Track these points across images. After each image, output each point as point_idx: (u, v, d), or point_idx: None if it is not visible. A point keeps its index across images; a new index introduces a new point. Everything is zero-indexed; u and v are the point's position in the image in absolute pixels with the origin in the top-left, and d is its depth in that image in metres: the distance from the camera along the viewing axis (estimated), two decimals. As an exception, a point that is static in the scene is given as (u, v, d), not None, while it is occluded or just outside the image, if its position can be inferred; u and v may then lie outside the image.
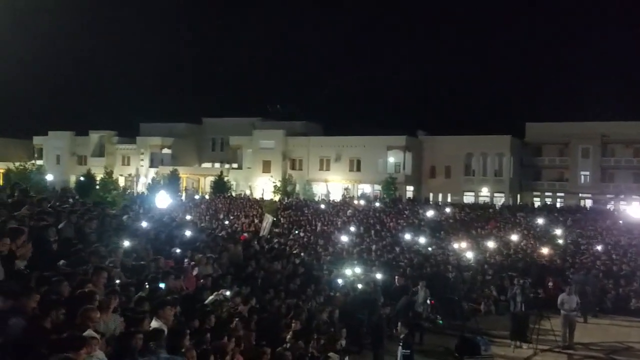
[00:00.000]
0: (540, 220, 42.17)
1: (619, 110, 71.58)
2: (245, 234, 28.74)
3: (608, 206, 57.20)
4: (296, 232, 38.77)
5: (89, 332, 7.21)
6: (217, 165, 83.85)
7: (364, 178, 72.89)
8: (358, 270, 22.68)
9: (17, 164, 69.32)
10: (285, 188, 69.53)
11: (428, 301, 20.51)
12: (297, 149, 76.89)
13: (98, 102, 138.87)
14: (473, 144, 71.03)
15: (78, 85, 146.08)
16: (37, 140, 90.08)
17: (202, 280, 13.72)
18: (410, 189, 71.96)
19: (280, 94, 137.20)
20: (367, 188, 72.15)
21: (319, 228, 40.85)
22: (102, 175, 69.91)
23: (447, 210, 48.05)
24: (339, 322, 15.24)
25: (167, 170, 73.72)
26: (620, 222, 42.22)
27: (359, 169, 74.01)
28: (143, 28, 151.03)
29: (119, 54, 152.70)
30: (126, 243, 13.44)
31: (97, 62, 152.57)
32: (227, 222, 41.80)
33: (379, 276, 21.33)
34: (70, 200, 19.72)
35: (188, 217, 38.83)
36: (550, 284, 24.66)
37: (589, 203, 64.91)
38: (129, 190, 71.47)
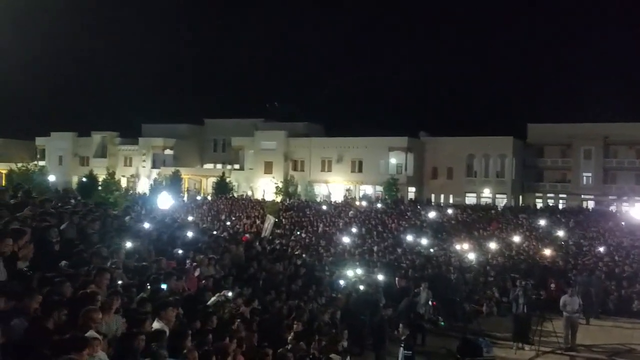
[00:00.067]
0: (542, 222, 42.12)
1: (621, 111, 71.48)
2: (247, 235, 28.75)
3: (610, 208, 57.13)
4: (298, 233, 38.79)
5: (91, 333, 7.22)
6: (219, 166, 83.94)
7: (365, 179, 72.87)
8: (360, 271, 22.68)
9: (19, 164, 69.32)
10: (287, 189, 69.52)
11: (430, 302, 20.51)
12: (299, 150, 76.91)
13: (100, 103, 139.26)
14: (475, 145, 71.02)
15: (80, 86, 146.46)
16: (39, 141, 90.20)
17: (203, 281, 13.72)
18: (412, 190, 71.94)
19: (280, 94, 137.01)
20: (368, 189, 72.15)
21: (320, 229, 40.86)
22: (104, 176, 69.93)
23: (449, 211, 48.01)
24: (340, 323, 15.23)
25: (169, 171, 73.78)
26: (623, 223, 42.16)
27: (360, 170, 74.00)
28: (144, 28, 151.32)
29: (120, 54, 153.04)
30: (128, 244, 13.44)
31: (99, 63, 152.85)
32: (228, 223, 41.82)
33: (380, 277, 21.31)
34: (72, 201, 19.73)
35: (190, 218, 38.89)
36: (553, 285, 24.61)
37: (591, 204, 64.83)
38: (131, 191, 71.51)
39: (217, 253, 16.92)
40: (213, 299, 12.15)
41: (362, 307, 17.30)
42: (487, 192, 70.07)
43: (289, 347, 11.36)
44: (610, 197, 66.01)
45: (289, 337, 12.25)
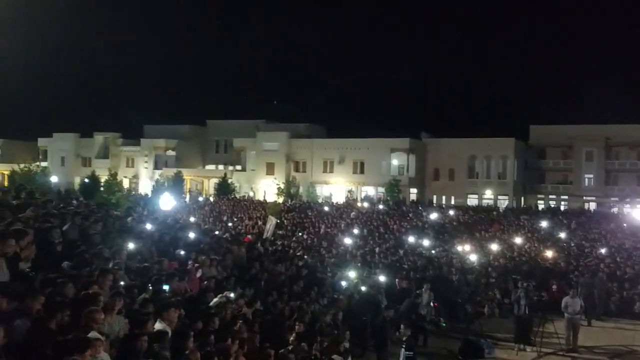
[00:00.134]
0: (544, 223, 42.12)
1: (622, 112, 71.59)
2: (249, 236, 28.77)
3: (612, 209, 57.07)
4: (299, 234, 38.80)
5: (94, 334, 7.23)
6: (220, 167, 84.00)
7: (367, 180, 72.87)
8: (361, 272, 22.69)
9: (21, 165, 69.37)
10: (288, 190, 69.54)
11: (431, 304, 20.52)
12: (301, 151, 76.93)
13: (102, 104, 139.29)
14: (477, 146, 71.00)
15: (82, 87, 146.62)
16: (41, 142, 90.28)
17: (205, 282, 13.74)
18: (413, 191, 71.92)
19: (280, 94, 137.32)
20: (370, 190, 72.14)
21: (322, 230, 40.91)
22: (106, 177, 70.00)
23: (451, 212, 48.03)
24: (342, 324, 15.24)
25: (171, 172, 73.82)
26: (625, 225, 42.14)
27: (362, 171, 74.00)
28: (146, 29, 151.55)
29: (122, 55, 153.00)
30: (130, 245, 13.46)
31: (101, 64, 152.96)
32: (230, 224, 41.85)
33: (382, 278, 21.32)
34: (74, 202, 19.77)
35: (192, 219, 38.93)
36: (554, 287, 24.59)
37: (593, 206, 64.88)
38: (133, 192, 71.59)
39: (219, 254, 16.94)
40: (215, 300, 12.17)
41: (364, 308, 17.30)
42: (488, 194, 70.03)
43: (290, 348, 11.38)
44: (612, 199, 65.96)
45: (291, 338, 12.26)
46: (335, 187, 73.71)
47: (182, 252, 15.62)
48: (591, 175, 70.19)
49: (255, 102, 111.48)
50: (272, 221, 31.80)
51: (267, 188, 72.65)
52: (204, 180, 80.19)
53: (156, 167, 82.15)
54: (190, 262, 14.74)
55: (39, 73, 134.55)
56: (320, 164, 75.93)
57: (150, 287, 11.09)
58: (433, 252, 32.42)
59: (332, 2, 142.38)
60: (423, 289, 20.49)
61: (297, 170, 76.71)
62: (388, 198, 63.74)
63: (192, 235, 19.23)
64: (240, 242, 21.70)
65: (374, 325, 16.51)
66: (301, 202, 58.17)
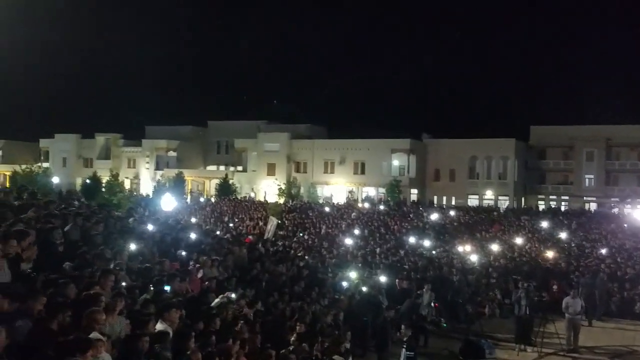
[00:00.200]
0: (544, 224, 42.12)
1: (623, 112, 71.52)
2: (251, 237, 28.79)
3: (613, 210, 57.06)
4: (300, 234, 38.83)
5: (95, 335, 7.26)
6: (222, 167, 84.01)
7: (368, 181, 72.92)
8: (362, 273, 22.71)
9: (23, 166, 69.51)
10: (289, 191, 69.58)
11: (432, 304, 20.54)
12: (302, 152, 76.99)
13: (104, 105, 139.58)
14: (477, 147, 71.02)
15: (84, 88, 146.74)
16: (43, 142, 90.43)
17: (206, 283, 13.76)
18: (414, 192, 71.95)
19: (280, 94, 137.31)
20: (371, 191, 72.16)
21: (323, 231, 40.95)
22: (107, 178, 70.07)
23: (452, 213, 48.04)
24: (343, 324, 15.26)
25: (172, 172, 73.87)
26: (625, 225, 42.14)
27: (363, 172, 74.05)
28: (147, 30, 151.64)
29: (124, 56, 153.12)
30: (132, 246, 13.48)
31: (103, 65, 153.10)
32: (231, 225, 41.88)
33: (383, 279, 21.34)
34: (76, 202, 19.79)
35: (193, 220, 38.95)
36: (555, 287, 24.61)
37: (593, 206, 64.88)
38: (134, 193, 71.68)
39: (220, 255, 16.95)
40: (216, 300, 12.20)
41: (365, 308, 17.31)
42: (489, 194, 70.05)
43: (291, 349, 11.40)
44: (612, 199, 65.97)
45: (292, 339, 12.29)
46: (336, 188, 73.74)
47: (184, 253, 15.64)
48: (592, 176, 70.20)
49: (255, 102, 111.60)
50: (273, 222, 31.83)
51: (268, 189, 72.67)
52: (205, 181, 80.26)
53: (157, 167, 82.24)
54: (191, 263, 14.76)
55: (40, 74, 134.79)
56: (321, 164, 75.99)
57: (152, 288, 11.11)
58: (434, 252, 32.44)
59: (332, 2, 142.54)
60: (424, 290, 20.51)
61: (298, 170, 76.75)
62: (389, 199, 63.76)
63: (193, 235, 19.25)
64: (241, 242, 21.71)
65: (374, 326, 16.53)
66: (302, 202, 58.19)
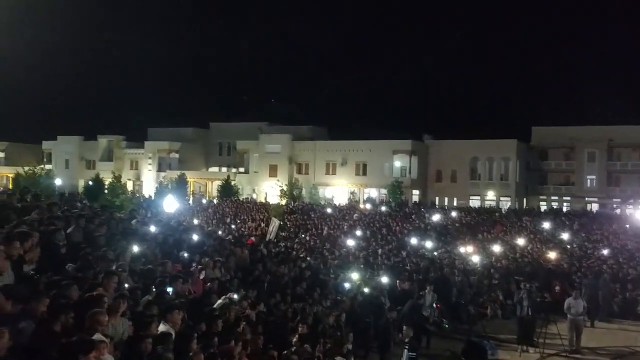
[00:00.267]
0: (546, 224, 42.08)
1: (625, 113, 71.41)
2: (253, 238, 28.83)
3: (615, 210, 57.02)
4: (302, 235, 38.86)
5: (98, 336, 7.28)
6: (224, 169, 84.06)
7: (370, 182, 72.92)
8: (364, 274, 22.73)
9: (26, 168, 69.55)
10: (291, 192, 69.62)
11: (434, 305, 20.55)
12: (303, 153, 77.02)
13: (106, 107, 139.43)
14: (479, 148, 70.97)
15: (86, 90, 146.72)
16: (46, 145, 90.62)
17: (209, 284, 13.79)
18: (416, 193, 71.95)
19: (280, 95, 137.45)
20: (373, 192, 72.14)
21: (325, 232, 40.97)
22: (110, 180, 70.16)
23: (453, 214, 48.02)
24: (345, 325, 15.28)
25: (174, 174, 73.91)
26: (627, 226, 42.10)
27: (365, 173, 74.06)
28: (148, 31, 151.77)
29: (126, 58, 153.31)
30: (135, 247, 13.52)
31: (105, 67, 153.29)
32: (233, 226, 41.94)
33: (384, 280, 21.36)
34: (78, 204, 19.84)
35: (195, 221, 39.01)
36: (557, 288, 24.62)
37: (595, 207, 64.81)
38: (137, 194, 71.76)
39: (223, 256, 16.99)
40: (219, 301, 12.22)
41: (367, 309, 17.34)
42: (491, 195, 69.98)
43: (293, 350, 11.43)
44: (614, 200, 65.90)
45: (294, 340, 12.31)
46: (338, 189, 73.76)
47: (186, 255, 15.67)
48: (593, 177, 70.13)
49: (255, 103, 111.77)
50: (275, 223, 31.88)
51: (269, 190, 72.70)
52: (207, 182, 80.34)
53: (160, 169, 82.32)
54: (194, 264, 14.79)
55: (42, 76, 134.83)
56: (323, 165, 76.00)
57: (154, 289, 11.14)
58: (435, 253, 32.46)
59: (332, 2, 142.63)
60: (426, 291, 20.52)
61: (299, 172, 76.79)
62: (390, 200, 63.73)
63: (195, 237, 19.29)
64: (243, 244, 21.76)
65: (377, 327, 16.56)
66: (304, 204, 58.22)
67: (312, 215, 47.98)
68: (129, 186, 78.20)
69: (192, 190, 75.23)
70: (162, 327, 9.07)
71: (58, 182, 72.77)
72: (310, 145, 76.76)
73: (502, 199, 68.93)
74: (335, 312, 15.65)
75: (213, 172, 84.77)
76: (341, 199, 67.28)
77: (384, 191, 69.58)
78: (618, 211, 55.45)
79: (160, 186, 69.20)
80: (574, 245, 36.10)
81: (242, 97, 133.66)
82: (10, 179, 74.78)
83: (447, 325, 20.44)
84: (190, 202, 62.57)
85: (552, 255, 31.64)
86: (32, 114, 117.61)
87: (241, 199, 64.48)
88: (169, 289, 11.27)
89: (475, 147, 71.05)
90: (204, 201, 63.96)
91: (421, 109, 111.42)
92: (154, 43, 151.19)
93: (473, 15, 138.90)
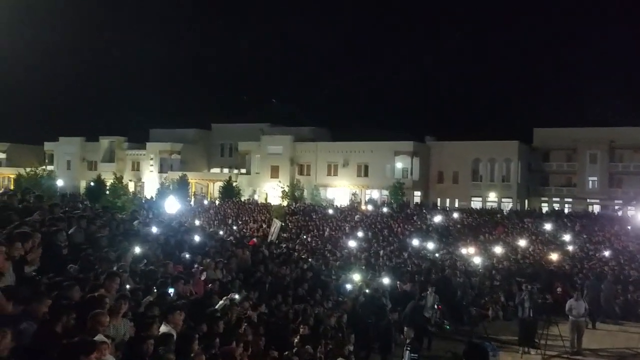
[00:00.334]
0: (548, 226, 42.07)
1: (627, 114, 71.51)
2: (255, 239, 28.82)
3: (618, 212, 56.94)
4: (304, 237, 38.85)
5: (100, 337, 7.28)
6: (225, 170, 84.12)
7: (371, 183, 72.90)
8: (366, 275, 22.73)
9: (28, 169, 69.62)
10: (293, 193, 69.61)
11: (436, 306, 20.53)
12: (305, 155, 77.03)
13: (108, 108, 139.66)
14: (481, 149, 70.94)
15: (88, 92, 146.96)
16: (47, 145, 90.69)
17: (210, 285, 13.80)
18: (417, 194, 71.90)
19: (280, 95, 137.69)
20: (374, 193, 72.10)
21: (326, 233, 40.95)
22: (112, 181, 70.21)
23: (455, 215, 47.98)
24: (347, 327, 15.28)
25: (176, 175, 73.96)
26: (629, 227, 42.06)
27: (366, 174, 74.02)
28: (148, 32, 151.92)
29: (128, 59, 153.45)
30: (136, 248, 13.52)
31: (106, 67, 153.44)
32: (235, 228, 41.93)
33: (386, 281, 21.35)
34: (80, 205, 19.85)
35: (197, 222, 39.02)
36: (559, 289, 24.60)
37: (597, 208, 64.73)
38: (138, 195, 71.79)
39: (224, 257, 17.00)
40: (220, 302, 12.23)
41: (369, 311, 17.35)
42: (492, 196, 69.93)
43: (295, 351, 11.43)
44: (615, 201, 65.85)
45: (295, 341, 12.31)
46: (340, 190, 73.75)
47: (188, 256, 15.68)
48: (595, 178, 70.08)
49: (255, 103, 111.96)
50: (276, 224, 31.85)
51: (271, 191, 72.69)
52: (209, 183, 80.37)
53: (161, 170, 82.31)
54: (195, 265, 14.79)
55: (44, 77, 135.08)
56: (325, 167, 76.01)
57: (155, 290, 11.14)
58: (437, 254, 32.44)
59: (332, 2, 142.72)
60: (428, 292, 20.51)
61: (301, 173, 76.79)
62: (392, 201, 63.69)
63: (197, 238, 19.30)
64: (244, 245, 21.76)
65: (378, 328, 16.55)
66: (305, 205, 58.21)
67: (314, 217, 47.97)
68: (131, 187, 78.22)
69: (194, 191, 75.26)
70: (163, 328, 9.07)
71: (60, 183, 72.83)
72: (312, 147, 76.79)
73: (503, 200, 68.85)
74: (337, 313, 15.64)
75: (215, 173, 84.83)
76: (343, 200, 67.25)
77: (385, 192, 69.51)
78: (620, 213, 55.34)
79: (161, 187, 69.17)
80: (576, 247, 36.07)
81: (242, 98, 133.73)
82: (12, 179, 74.83)
83: (448, 327, 20.44)
84: (192, 203, 62.55)
85: (554, 256, 31.63)
86: (34, 115, 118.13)
87: (242, 200, 64.47)
88: (171, 290, 11.28)
89: (477, 149, 71.02)
90: (205, 202, 63.96)
91: (422, 109, 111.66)
92: (154, 43, 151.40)
93: (473, 15, 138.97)
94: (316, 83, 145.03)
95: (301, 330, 12.83)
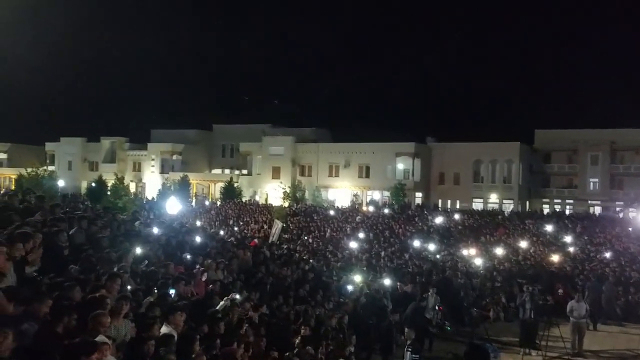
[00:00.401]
0: (549, 227, 42.05)
1: (628, 116, 71.43)
2: (256, 240, 28.83)
3: (619, 214, 56.87)
4: (305, 238, 38.83)
5: (101, 338, 7.28)
6: (227, 171, 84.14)
7: (372, 184, 72.90)
8: (367, 276, 22.72)
9: (29, 169, 69.63)
10: (294, 194, 69.60)
11: (437, 307, 20.53)
12: (307, 156, 77.02)
13: (109, 109, 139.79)
14: (482, 150, 70.89)
15: (89, 92, 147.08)
16: (49, 146, 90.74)
17: (211, 286, 13.79)
18: (419, 195, 71.90)
19: (280, 95, 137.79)
20: (376, 194, 72.09)
21: (328, 234, 40.92)
22: (113, 181, 70.21)
23: (456, 216, 47.98)
24: (348, 328, 15.27)
25: (177, 176, 73.97)
26: (630, 229, 42.03)
27: (367, 176, 74.00)
28: (148, 32, 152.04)
29: (129, 60, 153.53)
30: (138, 249, 13.52)
31: (107, 68, 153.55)
32: (236, 228, 41.92)
33: (387, 282, 21.34)
34: (81, 205, 19.86)
35: (198, 223, 39.02)
36: (560, 291, 24.57)
37: (598, 210, 64.68)
38: (139, 196, 71.79)
39: (225, 258, 16.99)
40: (221, 303, 12.22)
41: (370, 312, 17.34)
42: (494, 198, 69.91)
43: (296, 352, 11.42)
44: (617, 203, 65.81)
45: (296, 342, 12.30)
46: (341, 191, 73.74)
47: (189, 256, 15.68)
48: (596, 179, 70.04)
49: (255, 103, 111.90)
50: (278, 225, 31.84)
51: (272, 192, 72.69)
52: (210, 184, 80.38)
53: (163, 171, 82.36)
54: (196, 266, 14.79)
55: (45, 77, 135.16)
56: (326, 168, 76.01)
57: (156, 291, 11.15)
58: (438, 256, 32.43)
59: (332, 2, 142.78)
60: (429, 293, 20.50)
61: (302, 174, 76.78)
62: (393, 202, 63.70)
63: (198, 239, 19.30)
64: (246, 246, 21.76)
65: (379, 329, 16.54)
66: (307, 206, 58.20)
67: (315, 218, 47.96)
68: (132, 188, 78.19)
69: (195, 192, 75.24)
70: (164, 329, 9.07)
71: (61, 183, 72.89)
72: (313, 148, 76.78)
73: (505, 201, 68.81)
74: (338, 315, 15.63)
75: (216, 174, 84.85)
76: (344, 201, 67.23)
77: (386, 193, 69.50)
78: (621, 214, 55.28)
79: (163, 188, 69.18)
80: (577, 248, 36.05)
81: (243, 98, 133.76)
82: (13, 180, 74.87)
83: (449, 328, 20.43)
84: (193, 204, 62.55)
85: (555, 258, 31.60)
86: (35, 115, 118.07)
87: (243, 200, 64.44)
88: (172, 291, 11.28)
89: (478, 150, 70.97)
90: (206, 203, 63.95)
91: (423, 110, 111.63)
92: (154, 43, 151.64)
93: (473, 15, 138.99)
94: (316, 83, 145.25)
95: (302, 331, 12.81)
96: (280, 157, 76.78)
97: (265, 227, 41.60)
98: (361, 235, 38.98)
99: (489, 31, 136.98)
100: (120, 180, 70.83)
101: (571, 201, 70.12)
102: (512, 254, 34.02)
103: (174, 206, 38.35)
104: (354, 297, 18.63)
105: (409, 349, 14.41)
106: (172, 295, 11.14)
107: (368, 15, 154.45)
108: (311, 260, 25.93)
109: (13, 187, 63.29)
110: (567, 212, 59.33)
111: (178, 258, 15.12)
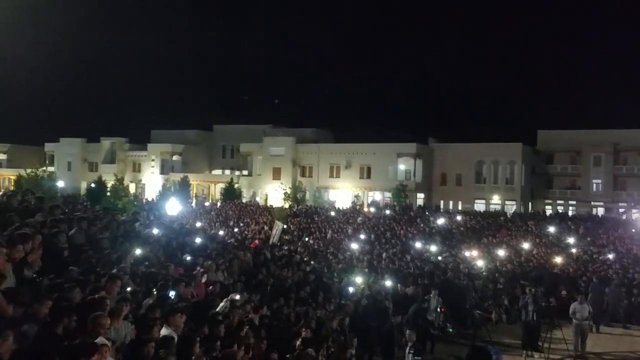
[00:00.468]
0: (551, 229, 41.99)
1: (631, 117, 71.37)
2: (257, 241, 28.75)
3: (623, 215, 56.82)
4: (306, 239, 38.74)
5: (101, 339, 7.23)
6: (227, 172, 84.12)
7: (374, 185, 72.81)
8: (368, 277, 22.62)
9: (28, 170, 69.67)
10: (295, 195, 69.53)
11: (439, 309, 20.42)
12: (307, 156, 76.94)
13: (109, 109, 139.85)
14: (484, 151, 70.82)
15: (89, 93, 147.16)
16: (48, 146, 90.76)
17: (211, 287, 13.71)
18: (420, 196, 71.81)
19: (280, 95, 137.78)
20: (377, 195, 72.04)
21: (329, 235, 40.84)
22: (113, 182, 70.18)
23: (458, 218, 47.95)
24: (349, 330, 15.18)
25: (177, 177, 73.95)
26: (633, 230, 41.95)
27: (369, 176, 73.90)
28: (148, 32, 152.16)
29: (129, 60, 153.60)
30: (138, 250, 13.45)
31: (107, 69, 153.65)
32: (237, 229, 41.83)
33: (388, 284, 21.24)
34: (80, 206, 19.79)
35: (198, 224, 38.95)
36: (563, 292, 24.48)
37: (601, 211, 64.59)
38: (139, 197, 71.75)
39: (226, 259, 16.91)
40: (221, 304, 12.14)
41: (371, 313, 17.23)
42: (496, 199, 69.84)
43: (297, 354, 11.32)
44: (620, 204, 65.71)
45: (297, 344, 12.21)
46: (342, 192, 73.66)
47: (189, 258, 15.59)
48: (599, 181, 69.94)
49: (255, 103, 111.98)
50: (278, 226, 31.77)
51: (273, 193, 72.65)
52: (210, 185, 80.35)
53: (163, 171, 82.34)
54: (197, 268, 14.70)
55: (44, 77, 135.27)
56: (327, 168, 75.91)
57: (156, 292, 11.07)
58: (440, 257, 32.33)
59: (332, 2, 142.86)
60: (431, 295, 20.40)
61: (303, 175, 76.69)
62: (395, 203, 63.64)
63: (198, 240, 19.22)
64: (246, 247, 21.68)
65: (381, 331, 16.45)
66: (307, 207, 58.13)
67: (316, 219, 47.89)
68: (132, 189, 78.17)
69: (195, 193, 75.20)
70: (164, 331, 9.00)
71: (60, 184, 72.98)
72: (314, 148, 76.71)
73: (507, 202, 68.77)
74: (339, 316, 15.53)
75: (216, 174, 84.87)
76: (345, 202, 67.16)
77: (388, 194, 69.46)
78: (624, 216, 55.22)
79: (163, 189, 69.15)
80: (580, 250, 35.96)
81: (243, 98, 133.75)
82: (13, 180, 74.89)
83: (451, 330, 20.31)
84: (193, 204, 62.50)
85: (558, 259, 31.54)
86: (34, 116, 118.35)
87: (244, 201, 64.39)
88: (172, 292, 11.20)
89: (480, 151, 70.90)
90: (207, 204, 63.90)
91: (423, 110, 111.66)
92: (154, 43, 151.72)
93: (473, 15, 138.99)
94: (316, 83, 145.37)
95: (303, 333, 12.72)
96: (280, 157, 76.70)
97: (266, 228, 41.51)
98: (362, 236, 38.91)
99: (489, 31, 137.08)
100: (120, 181, 70.87)
101: (574, 202, 70.01)
102: (514, 255, 33.96)
103: (174, 207, 38.32)
104: (355, 299, 18.51)
105: (411, 351, 14.29)
106: (172, 297, 11.07)
107: (368, 15, 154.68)
108: (312, 262, 25.85)
109: (12, 188, 63.30)
110: (570, 213, 59.23)
111: (178, 259, 15.05)
